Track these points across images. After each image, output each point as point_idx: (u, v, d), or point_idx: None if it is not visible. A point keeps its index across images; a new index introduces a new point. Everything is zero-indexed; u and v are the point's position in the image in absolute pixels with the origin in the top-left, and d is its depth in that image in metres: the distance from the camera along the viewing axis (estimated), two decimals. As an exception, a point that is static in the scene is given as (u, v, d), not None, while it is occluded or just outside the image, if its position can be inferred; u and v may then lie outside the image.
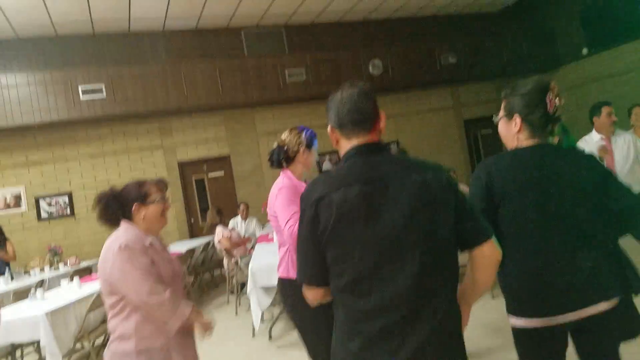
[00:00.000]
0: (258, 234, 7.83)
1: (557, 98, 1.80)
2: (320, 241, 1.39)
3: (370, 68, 9.73)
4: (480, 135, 11.48)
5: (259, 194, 9.45)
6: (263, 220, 8.42)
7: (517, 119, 1.84)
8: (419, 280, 1.34)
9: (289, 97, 9.28)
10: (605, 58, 10.14)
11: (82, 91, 7.89)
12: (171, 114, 8.94)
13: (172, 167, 9.13)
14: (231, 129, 9.48)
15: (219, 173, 9.55)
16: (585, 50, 10.46)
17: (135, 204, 2.23)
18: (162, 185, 2.42)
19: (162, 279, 2.18)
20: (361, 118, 1.45)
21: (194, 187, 9.44)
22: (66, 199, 8.53)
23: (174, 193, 9.06)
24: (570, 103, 11.07)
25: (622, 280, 1.74)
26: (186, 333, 2.22)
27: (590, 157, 1.84)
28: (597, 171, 1.79)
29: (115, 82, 8.11)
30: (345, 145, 1.49)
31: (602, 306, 1.69)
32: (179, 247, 7.50)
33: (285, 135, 2.73)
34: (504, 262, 1.58)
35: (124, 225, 2.23)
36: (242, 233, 7.93)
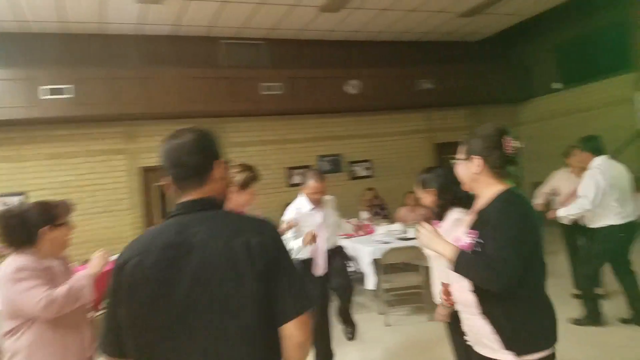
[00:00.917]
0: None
1: (515, 140, 1.89)
2: (116, 310, 1.29)
3: (348, 87, 9.73)
4: (450, 160, 11.52)
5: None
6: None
7: (478, 160, 1.90)
8: None
9: (264, 110, 9.21)
10: (576, 94, 10.36)
11: (45, 91, 7.65)
12: (138, 119, 8.76)
13: (134, 172, 8.92)
14: (200, 138, 9.33)
15: (184, 182, 9.36)
16: (557, 85, 10.65)
17: (45, 226, 2.15)
18: (69, 207, 2.35)
19: None
20: (183, 174, 1.35)
21: (156, 194, 9.22)
22: (22, 199, 8.25)
23: (135, 199, 8.86)
24: (540, 135, 11.23)
25: None
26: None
27: None
28: None
29: (83, 83, 7.91)
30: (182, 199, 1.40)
31: None
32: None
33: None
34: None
35: (15, 255, 2.14)
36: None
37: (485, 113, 11.63)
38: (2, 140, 8.15)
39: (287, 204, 8.33)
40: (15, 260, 2.10)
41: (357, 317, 5.29)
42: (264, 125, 9.72)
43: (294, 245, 3.69)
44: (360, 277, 5.65)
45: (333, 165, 10.26)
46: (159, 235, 1.30)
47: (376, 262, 5.23)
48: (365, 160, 10.58)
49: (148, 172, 9.07)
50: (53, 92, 7.71)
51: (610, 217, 4.12)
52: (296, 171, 9.96)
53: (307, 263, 3.88)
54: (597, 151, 4.26)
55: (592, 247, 4.42)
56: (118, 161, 8.83)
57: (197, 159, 1.35)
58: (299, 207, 3.91)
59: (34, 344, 2.03)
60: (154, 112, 8.46)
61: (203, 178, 1.35)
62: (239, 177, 2.81)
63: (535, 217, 1.86)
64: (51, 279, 2.12)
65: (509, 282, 1.72)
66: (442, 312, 2.60)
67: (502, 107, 11.76)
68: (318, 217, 3.87)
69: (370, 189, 8.70)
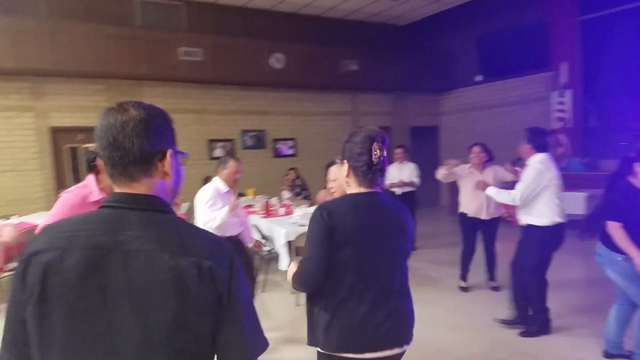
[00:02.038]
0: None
1: (380, 150, 1.87)
2: (22, 309, 1.03)
3: (272, 61, 9.52)
4: (373, 144, 11.73)
5: (138, 174, 8.92)
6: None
7: (346, 165, 1.94)
8: None
9: (182, 76, 8.81)
10: (495, 88, 10.83)
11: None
12: (46, 75, 8.10)
13: (42, 131, 8.29)
14: (115, 100, 8.69)
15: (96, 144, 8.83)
16: (478, 78, 11.09)
17: None
18: None
19: None
20: (120, 160, 1.06)
21: (67, 156, 8.66)
22: None
23: (43, 160, 8.27)
24: (459, 126, 11.73)
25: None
26: None
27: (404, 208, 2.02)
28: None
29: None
30: (115, 189, 1.11)
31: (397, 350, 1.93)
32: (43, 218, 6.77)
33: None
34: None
35: None
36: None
37: (409, 100, 11.95)
38: None
39: (207, 177, 8.18)
40: None
41: (271, 295, 5.48)
42: (183, 93, 9.34)
43: (215, 220, 3.79)
44: (275, 257, 5.71)
45: (256, 141, 10.10)
46: (84, 230, 1.03)
47: (290, 244, 5.27)
48: (290, 139, 10.51)
49: (58, 133, 8.48)
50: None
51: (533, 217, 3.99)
52: (218, 144, 9.72)
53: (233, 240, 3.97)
54: (541, 147, 4.01)
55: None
56: (26, 119, 8.16)
57: (142, 144, 1.06)
58: (218, 188, 3.97)
59: None
60: (63, 69, 7.85)
61: (146, 169, 1.09)
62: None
63: (350, 224, 1.84)
64: None
65: (308, 284, 1.90)
66: None
67: (426, 96, 12.11)
68: (233, 198, 3.96)
69: (292, 169, 8.68)
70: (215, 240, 1.11)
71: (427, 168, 10.31)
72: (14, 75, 7.85)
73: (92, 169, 2.66)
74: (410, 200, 7.18)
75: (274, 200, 7.28)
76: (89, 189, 2.58)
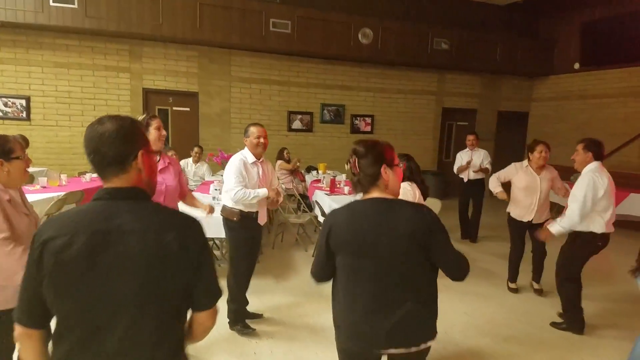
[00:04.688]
0: (207, 179, 7.86)
1: (355, 162, 2.00)
2: (37, 283, 1.30)
3: (360, 36, 9.45)
4: (455, 126, 11.39)
5: (222, 139, 9.39)
6: (214, 168, 8.42)
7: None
8: (125, 347, 1.31)
9: (270, 47, 9.02)
10: (594, 78, 10.02)
11: (53, -3, 7.61)
12: (143, 39, 8.68)
13: (136, 92, 8.94)
14: (205, 67, 9.25)
15: (185, 109, 9.40)
16: (577, 65, 10.30)
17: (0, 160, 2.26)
18: (24, 142, 2.45)
19: (17, 232, 2.24)
20: (103, 162, 1.35)
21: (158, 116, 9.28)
22: (24, 102, 8.39)
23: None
24: (552, 115, 11.02)
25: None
26: None
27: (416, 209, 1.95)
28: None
29: (91, -6, 7.81)
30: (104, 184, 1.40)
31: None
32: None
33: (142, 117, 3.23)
34: None
35: None
36: (191, 176, 7.96)
37: (501, 84, 11.36)
38: (8, 42, 8.17)
39: (283, 148, 8.46)
40: None
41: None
42: (270, 64, 9.59)
43: (249, 195, 3.70)
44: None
45: (335, 115, 10.17)
46: (87, 218, 1.31)
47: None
48: (368, 115, 10.47)
49: (150, 94, 9.11)
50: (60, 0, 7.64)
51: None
52: (297, 116, 9.92)
53: (254, 215, 3.89)
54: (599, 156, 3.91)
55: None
56: (122, 79, 8.85)
57: (116, 149, 1.34)
58: (244, 159, 3.81)
59: None
60: (160, 34, 8.34)
61: (123, 167, 1.36)
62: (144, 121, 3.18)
63: (353, 224, 1.95)
64: (11, 210, 2.26)
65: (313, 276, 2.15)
66: None
67: (519, 80, 11.46)
68: (259, 171, 3.87)
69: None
70: (189, 219, 1.41)
71: (511, 155, 9.87)
72: (115, 37, 8.50)
73: None
74: (478, 187, 7.22)
75: (340, 178, 7.39)
76: None
